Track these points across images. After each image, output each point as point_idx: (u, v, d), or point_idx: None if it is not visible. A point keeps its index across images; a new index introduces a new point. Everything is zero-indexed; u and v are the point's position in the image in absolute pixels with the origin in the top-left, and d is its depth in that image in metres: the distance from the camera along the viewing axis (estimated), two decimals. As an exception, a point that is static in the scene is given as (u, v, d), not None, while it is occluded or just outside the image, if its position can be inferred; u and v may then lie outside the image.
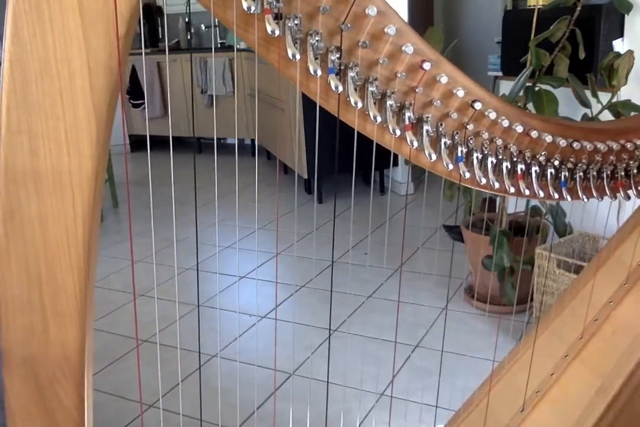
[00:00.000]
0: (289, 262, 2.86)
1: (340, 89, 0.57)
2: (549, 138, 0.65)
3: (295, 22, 0.55)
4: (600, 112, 1.90)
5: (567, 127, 0.67)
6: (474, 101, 0.62)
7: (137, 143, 5.28)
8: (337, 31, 0.57)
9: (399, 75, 0.60)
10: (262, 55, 0.57)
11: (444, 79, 0.60)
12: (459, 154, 0.64)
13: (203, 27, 5.46)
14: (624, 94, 1.88)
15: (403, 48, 0.58)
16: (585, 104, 1.89)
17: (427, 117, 0.62)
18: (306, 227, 3.20)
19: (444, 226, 3.04)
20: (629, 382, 0.74)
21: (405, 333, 2.13)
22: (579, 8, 1.88)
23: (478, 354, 1.90)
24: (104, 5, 0.51)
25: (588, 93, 1.90)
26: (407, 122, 0.61)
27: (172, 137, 4.52)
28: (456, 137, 0.64)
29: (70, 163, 0.55)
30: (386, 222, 3.21)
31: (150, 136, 5.17)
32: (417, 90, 0.61)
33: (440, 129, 0.63)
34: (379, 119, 0.59)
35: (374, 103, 0.59)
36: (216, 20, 0.56)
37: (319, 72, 0.56)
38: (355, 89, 0.58)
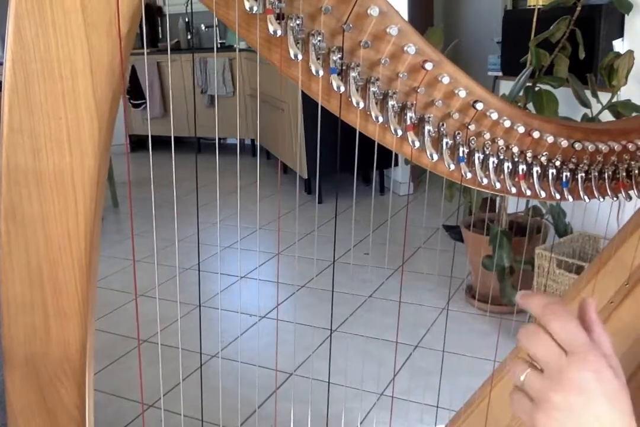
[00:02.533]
0: (289, 262, 2.86)
1: (342, 89, 0.57)
2: (550, 138, 0.65)
3: (297, 22, 0.55)
4: (600, 112, 1.90)
5: (569, 127, 0.67)
6: (475, 101, 0.62)
7: (136, 143, 5.28)
8: (339, 31, 0.57)
9: (401, 75, 0.59)
10: (264, 55, 0.57)
11: (445, 80, 0.60)
12: (461, 154, 0.64)
13: (203, 27, 5.46)
14: (624, 94, 1.88)
15: (405, 48, 0.58)
16: (585, 104, 1.89)
17: (429, 117, 0.62)
18: (306, 227, 3.20)
19: (444, 225, 3.04)
20: (630, 385, 0.74)
21: (406, 333, 2.13)
22: (579, 8, 1.89)
23: (478, 354, 1.90)
24: (107, 5, 0.51)
25: (588, 93, 1.90)
26: (408, 122, 0.61)
27: (173, 137, 4.53)
28: (458, 138, 0.64)
29: (72, 163, 0.55)
30: (386, 222, 3.21)
31: (150, 136, 5.17)
32: (418, 90, 0.60)
33: (442, 129, 0.63)
34: (380, 119, 0.59)
35: (376, 103, 0.59)
36: (216, 20, 0.56)
37: (321, 72, 0.56)
38: (357, 89, 0.58)
